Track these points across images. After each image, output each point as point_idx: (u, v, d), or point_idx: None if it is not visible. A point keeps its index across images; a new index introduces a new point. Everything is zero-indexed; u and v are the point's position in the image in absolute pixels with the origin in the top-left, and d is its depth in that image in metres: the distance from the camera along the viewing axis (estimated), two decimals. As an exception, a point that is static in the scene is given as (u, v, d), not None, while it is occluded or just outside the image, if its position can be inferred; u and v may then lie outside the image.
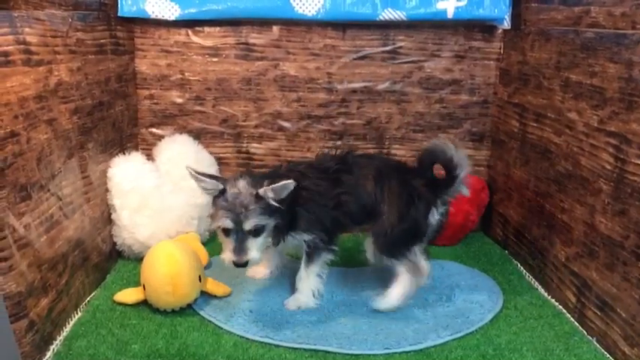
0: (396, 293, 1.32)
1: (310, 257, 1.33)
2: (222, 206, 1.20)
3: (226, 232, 1.21)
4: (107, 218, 1.50)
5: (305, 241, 1.30)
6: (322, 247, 1.32)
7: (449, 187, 1.32)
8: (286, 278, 1.47)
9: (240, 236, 1.19)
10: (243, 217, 1.18)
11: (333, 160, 1.34)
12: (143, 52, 1.71)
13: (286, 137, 1.79)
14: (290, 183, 1.18)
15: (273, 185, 1.18)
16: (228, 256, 1.20)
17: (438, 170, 1.35)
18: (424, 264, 1.37)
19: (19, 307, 1.04)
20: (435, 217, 1.33)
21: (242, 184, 1.21)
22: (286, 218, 1.25)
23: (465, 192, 1.35)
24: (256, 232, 1.20)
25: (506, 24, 1.65)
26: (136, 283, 1.40)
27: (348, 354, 1.17)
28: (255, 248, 1.20)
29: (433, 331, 1.25)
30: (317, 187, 1.28)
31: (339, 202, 1.30)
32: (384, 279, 1.42)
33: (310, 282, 1.34)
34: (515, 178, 1.66)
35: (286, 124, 1.77)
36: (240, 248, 1.19)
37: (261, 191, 1.18)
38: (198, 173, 1.20)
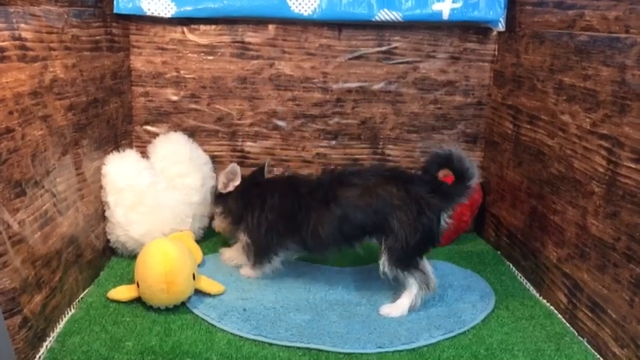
0: (406, 303, 1.33)
1: None
2: None
3: None
4: (101, 215, 1.50)
5: None
6: None
7: (460, 196, 1.33)
8: (279, 277, 1.47)
9: None
10: None
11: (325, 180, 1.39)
12: (138, 50, 1.71)
13: (281, 136, 1.79)
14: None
15: None
16: None
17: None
18: (433, 277, 1.36)
19: (13, 303, 1.04)
20: (443, 223, 1.34)
21: None
22: None
23: (465, 200, 1.37)
24: None
25: (501, 26, 1.66)
26: (130, 280, 1.40)
27: (341, 352, 1.18)
28: None
29: (426, 330, 1.26)
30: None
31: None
32: (378, 279, 1.42)
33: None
34: (508, 180, 1.67)
35: (281, 123, 1.78)
36: None
37: None
38: None
